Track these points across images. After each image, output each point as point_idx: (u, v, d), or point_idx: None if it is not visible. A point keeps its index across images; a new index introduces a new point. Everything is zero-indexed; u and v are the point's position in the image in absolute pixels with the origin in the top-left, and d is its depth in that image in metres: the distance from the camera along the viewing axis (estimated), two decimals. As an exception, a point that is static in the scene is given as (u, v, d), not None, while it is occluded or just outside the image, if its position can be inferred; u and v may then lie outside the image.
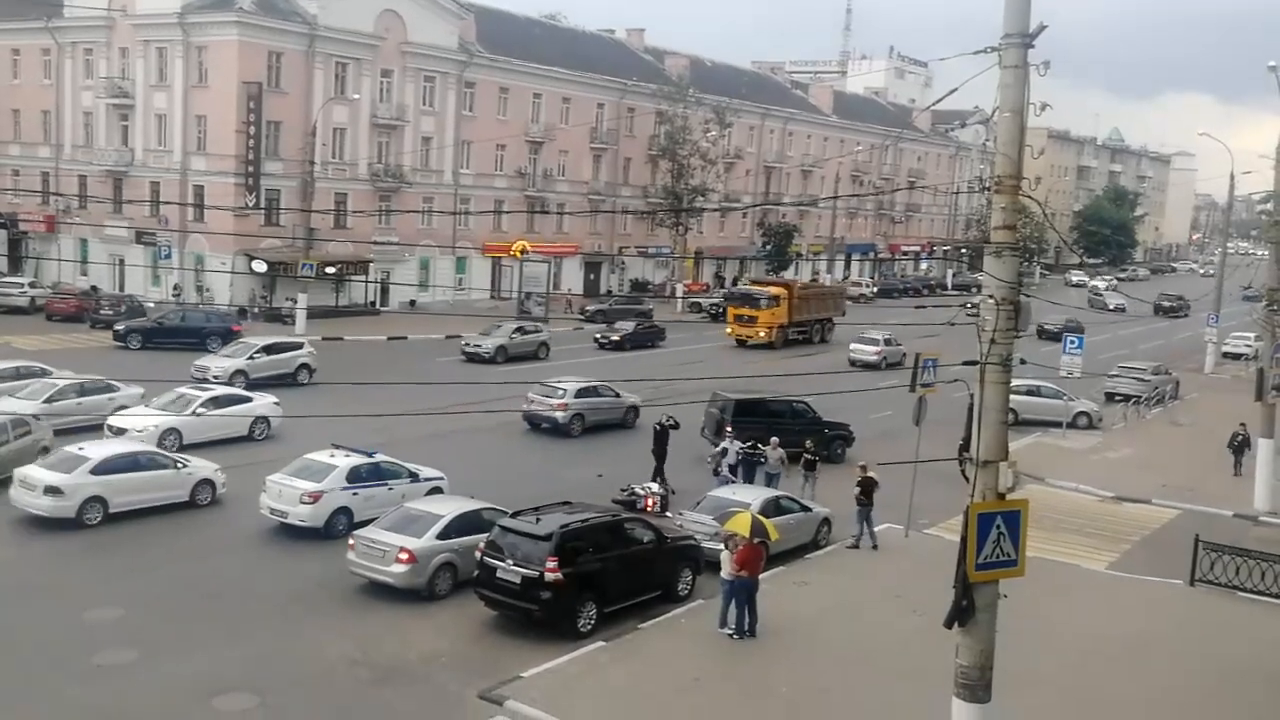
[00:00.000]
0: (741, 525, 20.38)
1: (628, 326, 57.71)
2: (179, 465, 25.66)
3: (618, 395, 37.14)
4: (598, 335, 57.13)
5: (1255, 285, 40.25)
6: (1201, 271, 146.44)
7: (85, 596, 20.03)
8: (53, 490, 23.50)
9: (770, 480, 28.27)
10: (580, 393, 35.97)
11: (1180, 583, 23.54)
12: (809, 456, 28.29)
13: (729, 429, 30.49)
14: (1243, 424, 33.42)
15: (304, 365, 41.13)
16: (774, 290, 59.90)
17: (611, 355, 53.74)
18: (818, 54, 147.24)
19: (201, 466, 26.15)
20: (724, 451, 29.07)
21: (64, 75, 64.82)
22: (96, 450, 24.87)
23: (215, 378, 37.23)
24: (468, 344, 49.78)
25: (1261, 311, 29.26)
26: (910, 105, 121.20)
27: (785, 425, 31.92)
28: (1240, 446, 33.73)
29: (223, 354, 40.50)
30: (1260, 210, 32.27)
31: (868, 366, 51.25)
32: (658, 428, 29.43)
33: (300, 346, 42.18)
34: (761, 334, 57.69)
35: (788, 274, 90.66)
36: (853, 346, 53.86)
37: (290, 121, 58.76)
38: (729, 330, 58.96)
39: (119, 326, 47.39)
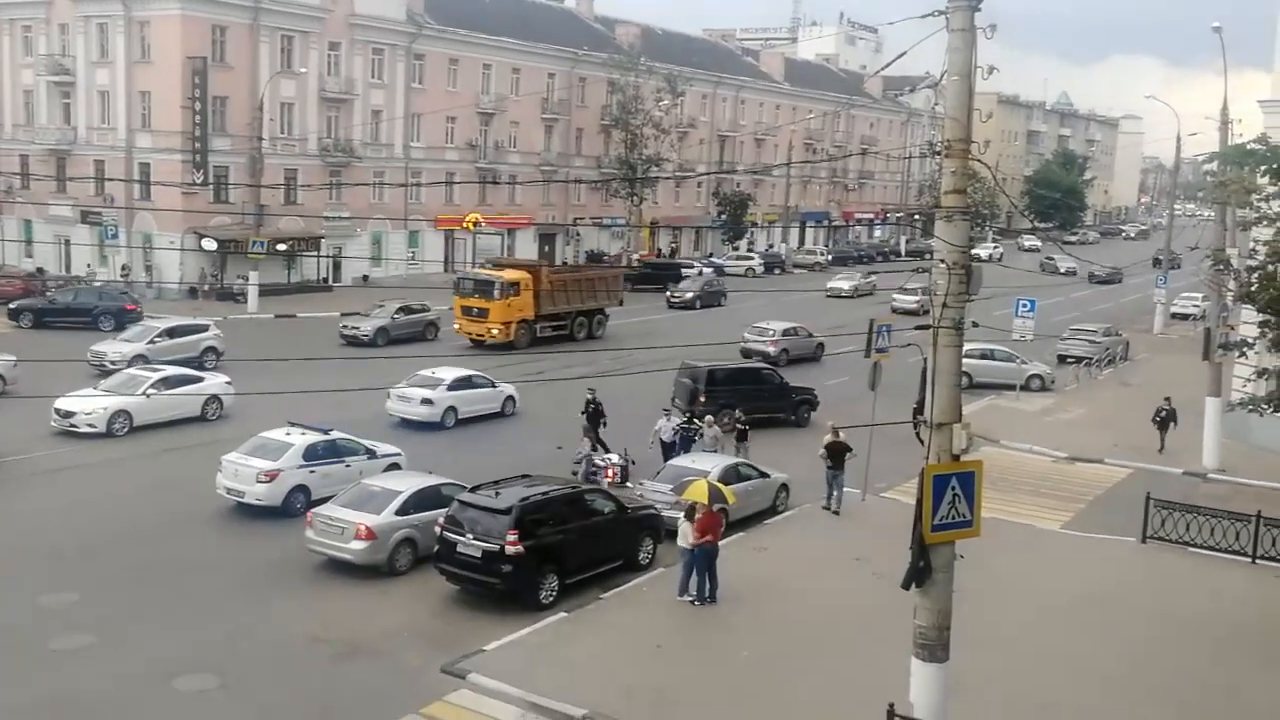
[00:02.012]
0: (699, 493, 20.48)
1: (695, 286, 59.15)
2: None
3: (493, 385, 34.01)
4: None
5: (1202, 246, 40.82)
6: (1132, 235, 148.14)
7: (39, 581, 19.78)
8: None
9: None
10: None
11: (1133, 540, 23.95)
12: (740, 426, 28.64)
13: (701, 400, 30.86)
14: (1167, 398, 32.89)
15: (210, 348, 39.14)
16: (512, 275, 46.84)
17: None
18: (768, 20, 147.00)
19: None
20: (660, 428, 28.67)
21: (2, 53, 63.36)
22: None
23: (113, 363, 35.90)
24: (345, 326, 46.22)
25: (1209, 272, 29.67)
26: (861, 72, 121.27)
27: (755, 391, 33.21)
28: (1165, 421, 32.57)
29: (122, 338, 38.81)
30: (1205, 171, 32.73)
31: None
32: (590, 403, 29.41)
33: (206, 329, 40.15)
34: (495, 331, 45.48)
35: (747, 246, 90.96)
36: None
37: (236, 97, 57.83)
38: (457, 327, 46.66)
39: (12, 305, 46.33)
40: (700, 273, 75.48)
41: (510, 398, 34.07)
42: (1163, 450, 32.05)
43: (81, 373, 34.05)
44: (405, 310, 47.35)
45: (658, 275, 70.43)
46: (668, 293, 64.00)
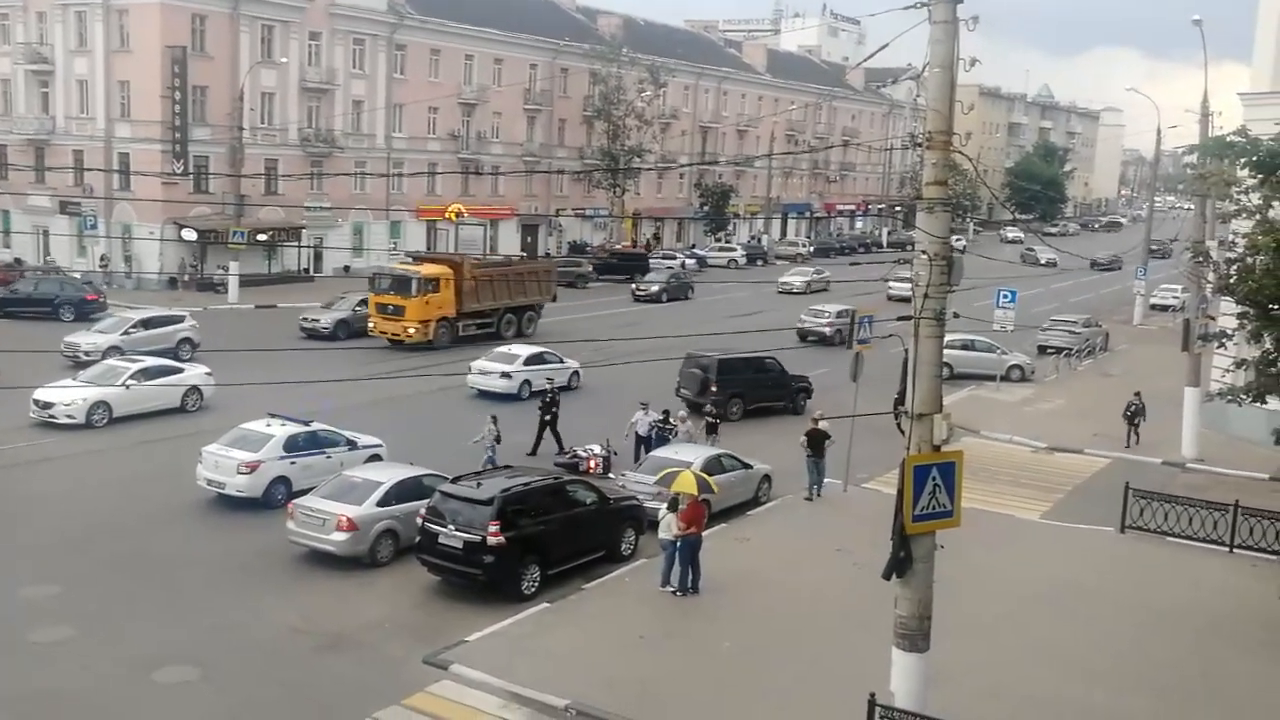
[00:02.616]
0: (688, 485, 20.57)
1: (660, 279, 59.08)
2: None
3: (561, 361, 36.88)
4: None
5: (1181, 238, 41.25)
6: (1095, 228, 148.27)
7: (20, 573, 19.66)
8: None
9: None
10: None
11: (1111, 529, 24.11)
12: (710, 419, 28.72)
13: (712, 389, 31.37)
14: (1137, 393, 32.75)
15: (186, 339, 38.73)
16: (430, 270, 43.86)
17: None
18: (751, 11, 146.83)
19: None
20: (637, 421, 28.27)
21: (-22, 41, 62.82)
22: None
23: (87, 354, 35.62)
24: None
25: (1188, 263, 29.82)
26: (844, 63, 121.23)
27: (760, 380, 34.43)
28: (1134, 415, 32.29)
29: (96, 329, 38.30)
30: (1185, 164, 32.95)
31: (823, 339, 45.99)
32: (548, 395, 29.16)
33: (181, 320, 39.71)
34: (412, 330, 42.36)
35: (728, 237, 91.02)
36: (802, 317, 47.14)
37: (217, 86, 57.44)
38: (372, 326, 43.42)
39: None
40: (684, 263, 75.60)
41: (576, 372, 36.99)
42: (1130, 445, 31.97)
43: (55, 364, 33.87)
44: (366, 304, 45.12)
45: (625, 266, 68.69)
46: (633, 285, 62.65)
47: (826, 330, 46.74)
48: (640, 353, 34.59)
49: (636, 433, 28.01)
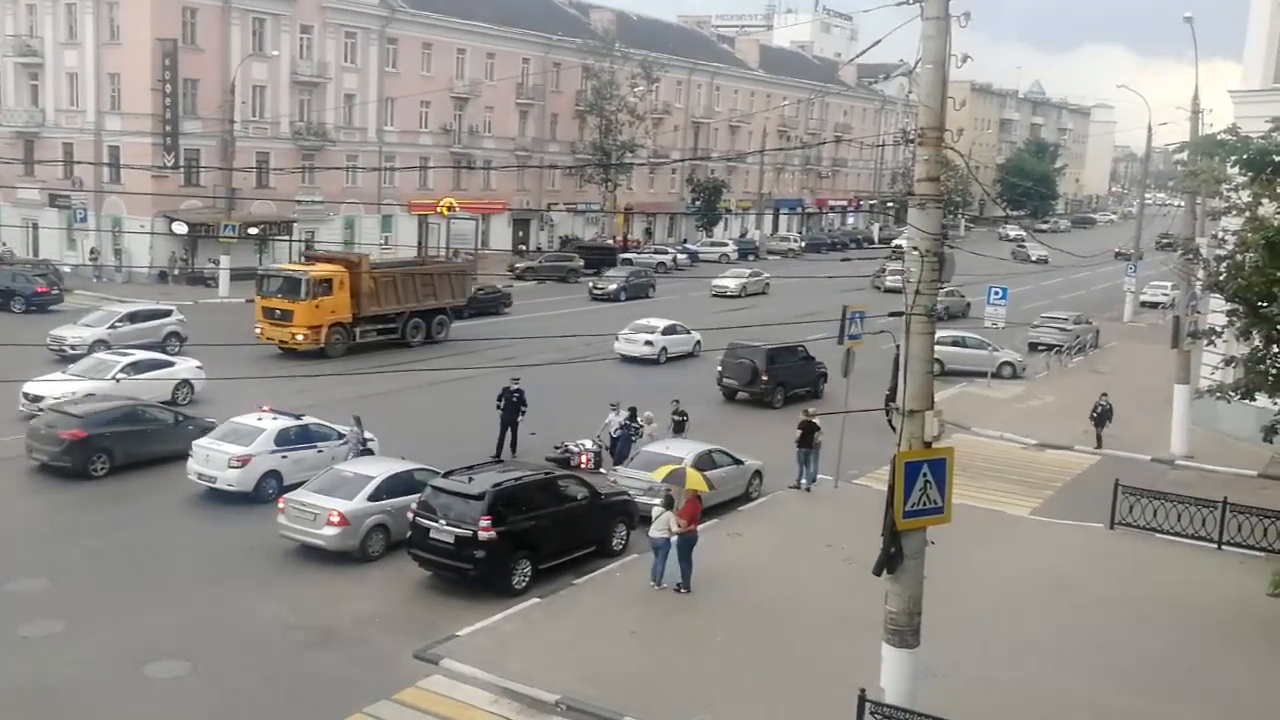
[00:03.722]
0: (697, 482, 20.66)
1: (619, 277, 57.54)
2: None
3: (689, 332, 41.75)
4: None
5: (1171, 234, 41.58)
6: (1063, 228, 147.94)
7: (8, 567, 19.60)
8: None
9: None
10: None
11: (1101, 526, 24.17)
12: (677, 418, 28.47)
13: (763, 378, 33.63)
14: (1104, 394, 32.34)
15: (173, 333, 38.43)
16: (322, 271, 40.51)
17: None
18: (743, 7, 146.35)
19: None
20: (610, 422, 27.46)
21: (-33, 33, 62.50)
22: None
23: (73, 348, 35.48)
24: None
25: (1178, 260, 29.87)
26: (836, 59, 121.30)
27: (795, 367, 36.59)
28: (1101, 418, 31.70)
29: (82, 322, 38.09)
30: (1176, 161, 33.00)
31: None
32: (514, 394, 28.00)
33: (168, 314, 39.28)
34: (300, 337, 38.87)
35: (718, 232, 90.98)
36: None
37: (208, 80, 57.27)
38: (259, 332, 39.83)
39: None
40: (675, 258, 75.54)
41: (698, 341, 42.99)
42: (1099, 446, 31.50)
43: (40, 357, 33.74)
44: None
45: (593, 262, 67.26)
46: (590, 284, 60.38)
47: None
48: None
49: (610, 434, 27.22)
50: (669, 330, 42.60)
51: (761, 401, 35.21)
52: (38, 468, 24.92)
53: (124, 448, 24.98)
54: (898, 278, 54.45)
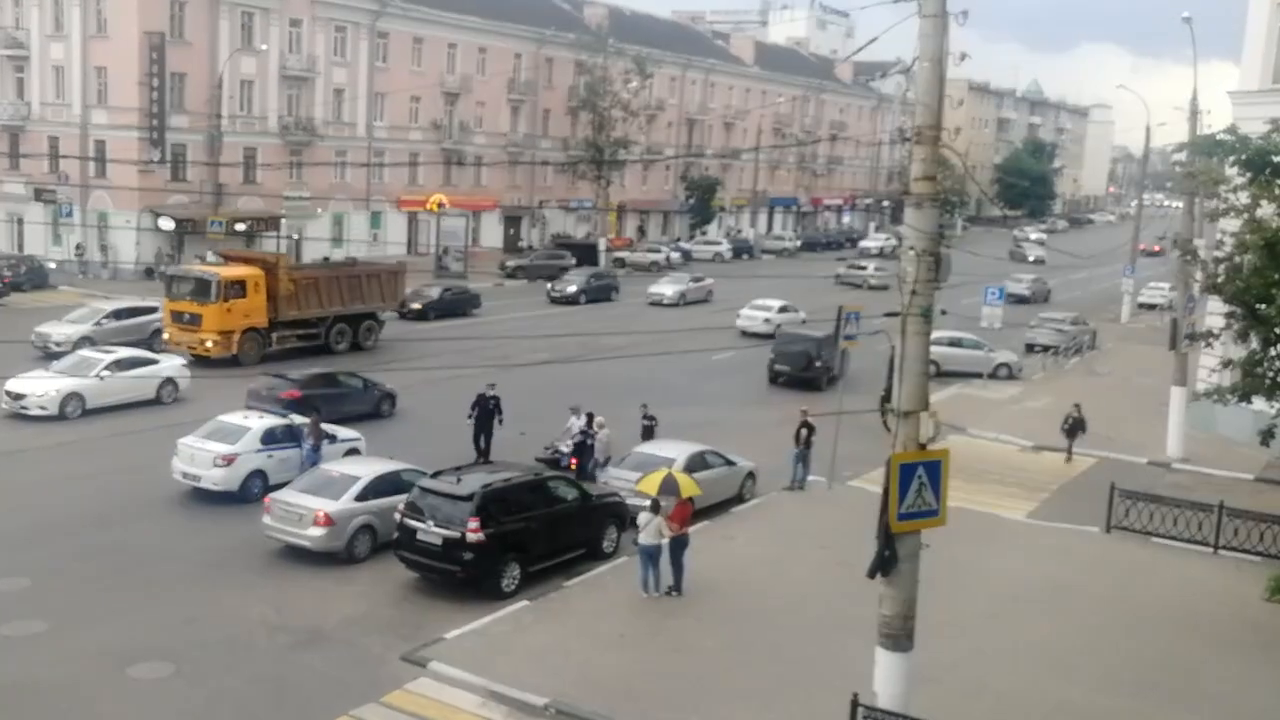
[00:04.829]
0: (690, 488, 20.49)
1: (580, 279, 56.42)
2: None
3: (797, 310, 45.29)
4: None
5: (1169, 235, 41.67)
6: (1111, 219, 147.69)
7: (-13, 567, 19.35)
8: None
9: (604, 464, 25.30)
10: None
11: (1097, 529, 24.01)
12: (646, 423, 27.42)
13: (816, 363, 35.42)
14: (1076, 404, 31.13)
15: (158, 330, 37.62)
16: (234, 272, 37.81)
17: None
18: (739, 3, 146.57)
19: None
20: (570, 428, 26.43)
21: (-47, 25, 62.02)
22: None
23: (58, 345, 35.14)
24: None
25: (1176, 262, 29.74)
26: (832, 56, 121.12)
27: (834, 353, 36.37)
28: (1073, 429, 30.51)
29: (68, 319, 37.74)
30: (1174, 162, 32.93)
31: (761, 336, 44.88)
32: (490, 400, 27.13)
33: (154, 311, 38.41)
34: (210, 343, 35.95)
35: (710, 231, 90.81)
36: (742, 313, 48.13)
37: (195, 74, 56.90)
38: (167, 337, 37.24)
39: None
40: (669, 257, 75.24)
41: (804, 320, 45.58)
42: (1069, 460, 30.49)
43: (24, 354, 33.45)
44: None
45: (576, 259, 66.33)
46: (549, 286, 57.88)
47: (766, 329, 45.11)
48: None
49: (571, 438, 26.26)
50: (783, 309, 48.52)
51: (811, 384, 37.09)
52: (18, 464, 24.55)
53: (329, 406, 27.82)
54: (860, 273, 56.43)
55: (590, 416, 26.19)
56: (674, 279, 60.92)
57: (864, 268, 69.92)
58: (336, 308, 40.18)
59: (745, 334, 46.81)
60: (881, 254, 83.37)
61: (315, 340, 39.55)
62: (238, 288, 37.02)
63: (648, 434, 27.03)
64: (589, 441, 25.62)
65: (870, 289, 61.72)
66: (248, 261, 39.61)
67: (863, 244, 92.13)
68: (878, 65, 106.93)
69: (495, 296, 55.51)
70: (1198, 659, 17.98)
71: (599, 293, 57.87)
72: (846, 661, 15.21)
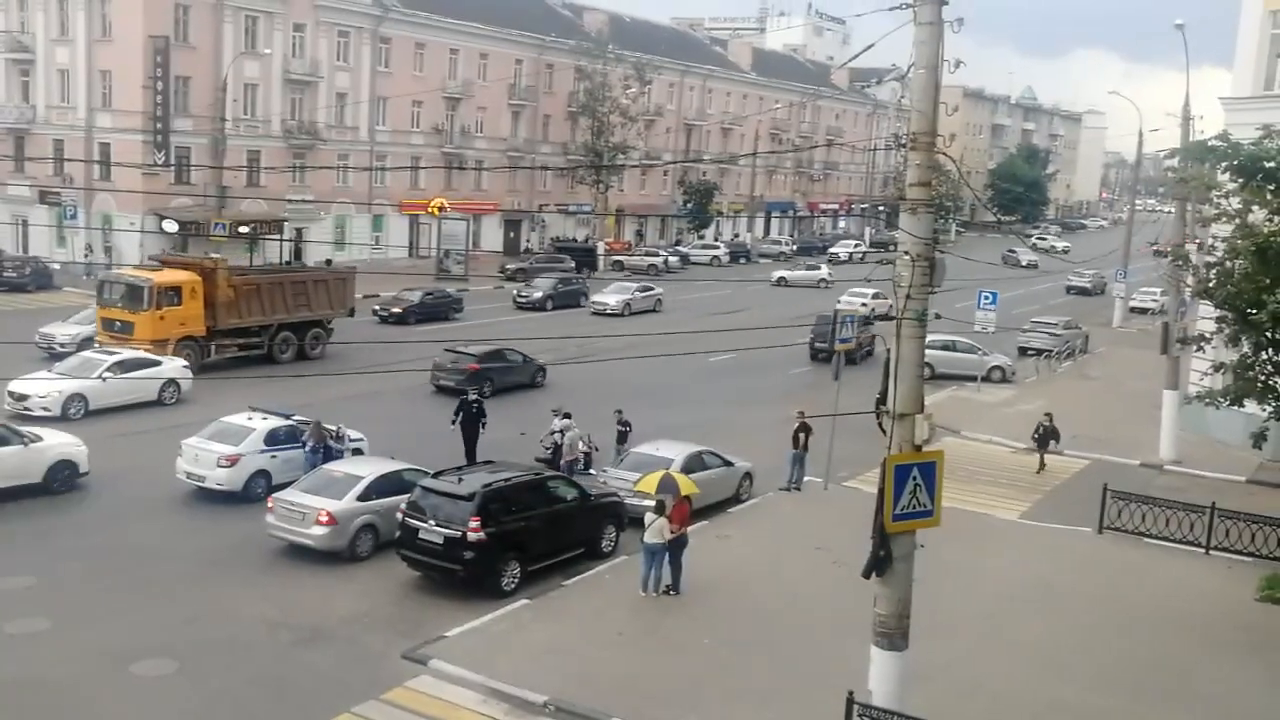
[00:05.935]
0: (688, 487, 20.62)
1: (546, 285, 55.98)
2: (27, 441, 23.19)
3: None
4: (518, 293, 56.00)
5: (1160, 240, 41.86)
6: (1103, 224, 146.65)
7: (-6, 565, 19.51)
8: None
9: (571, 468, 25.19)
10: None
11: (1089, 530, 24.22)
12: (621, 428, 27.32)
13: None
14: (1048, 414, 30.71)
15: None
16: (170, 278, 35.75)
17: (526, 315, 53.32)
18: (736, 10, 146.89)
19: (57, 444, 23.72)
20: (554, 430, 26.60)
21: (-42, 28, 62.22)
22: None
23: (62, 346, 35.27)
24: None
25: (1167, 266, 29.95)
26: (828, 63, 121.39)
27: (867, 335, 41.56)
28: (1044, 439, 30.06)
29: (72, 321, 37.77)
30: (1166, 167, 32.98)
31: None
32: (473, 406, 27.29)
33: None
34: (144, 350, 33.33)
35: (708, 234, 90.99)
36: (842, 300, 51.93)
37: (199, 77, 57.14)
38: (98, 344, 34.71)
39: None
40: (666, 260, 75.37)
41: (864, 304, 51.33)
42: (1041, 469, 30.06)
43: (28, 355, 33.64)
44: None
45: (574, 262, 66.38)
46: (514, 291, 56.58)
47: (864, 313, 45.40)
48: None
49: (554, 441, 26.42)
50: (876, 296, 52.61)
51: (848, 358, 35.49)
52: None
53: (500, 377, 34.63)
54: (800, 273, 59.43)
55: (568, 415, 26.58)
56: (619, 288, 57.66)
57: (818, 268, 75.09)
58: (280, 315, 38.49)
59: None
60: (850, 259, 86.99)
61: (258, 350, 37.87)
62: (172, 294, 35.23)
63: (621, 439, 27.00)
64: (559, 442, 25.87)
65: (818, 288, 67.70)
66: (185, 266, 37.46)
67: (831, 250, 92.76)
68: (874, 71, 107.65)
69: (475, 300, 54.17)
70: (1190, 659, 18.16)
71: (566, 298, 56.40)
72: (842, 660, 15.32)
